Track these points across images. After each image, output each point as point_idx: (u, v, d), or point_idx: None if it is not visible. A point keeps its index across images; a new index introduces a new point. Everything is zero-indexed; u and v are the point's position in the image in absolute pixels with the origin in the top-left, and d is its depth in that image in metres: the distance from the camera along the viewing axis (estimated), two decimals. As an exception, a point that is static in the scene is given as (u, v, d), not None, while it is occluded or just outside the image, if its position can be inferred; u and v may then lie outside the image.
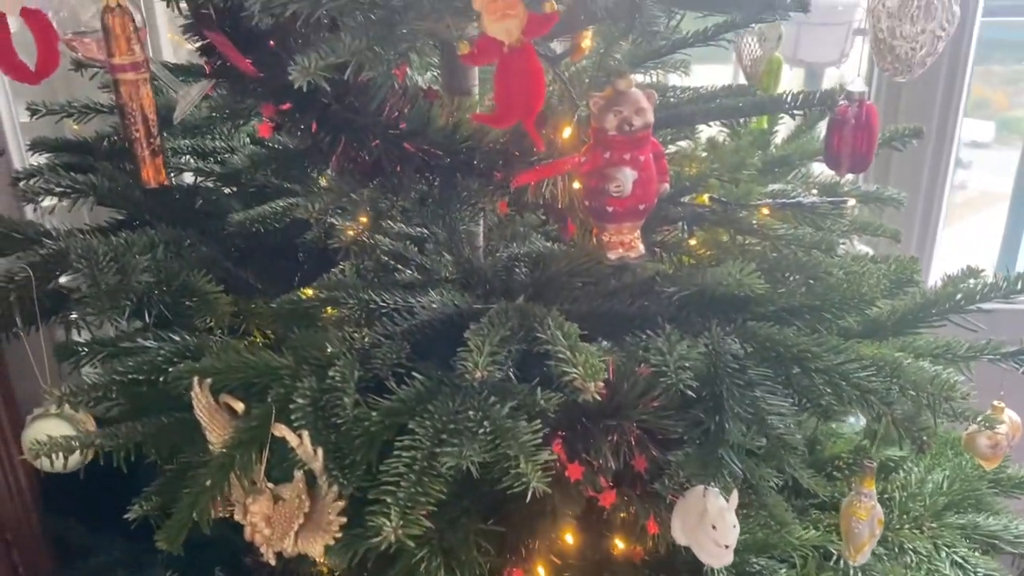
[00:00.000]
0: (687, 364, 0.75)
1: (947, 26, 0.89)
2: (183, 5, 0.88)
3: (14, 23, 0.82)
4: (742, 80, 2.04)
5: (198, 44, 0.94)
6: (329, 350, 0.82)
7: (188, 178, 1.22)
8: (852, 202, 0.98)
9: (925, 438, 0.73)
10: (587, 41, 0.88)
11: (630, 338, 0.86)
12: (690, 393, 0.75)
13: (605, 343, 0.87)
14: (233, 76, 0.93)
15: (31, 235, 0.92)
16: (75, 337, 1.02)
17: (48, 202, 1.07)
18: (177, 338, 0.89)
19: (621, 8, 0.75)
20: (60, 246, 0.90)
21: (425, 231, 1.09)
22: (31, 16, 0.74)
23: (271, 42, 0.90)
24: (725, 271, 0.82)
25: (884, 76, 1.71)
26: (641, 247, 0.85)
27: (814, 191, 1.06)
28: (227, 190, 1.23)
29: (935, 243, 1.90)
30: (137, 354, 0.84)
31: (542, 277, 0.93)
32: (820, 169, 1.30)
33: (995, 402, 0.97)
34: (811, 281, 0.86)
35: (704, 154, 1.24)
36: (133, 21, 0.67)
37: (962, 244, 2.23)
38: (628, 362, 0.86)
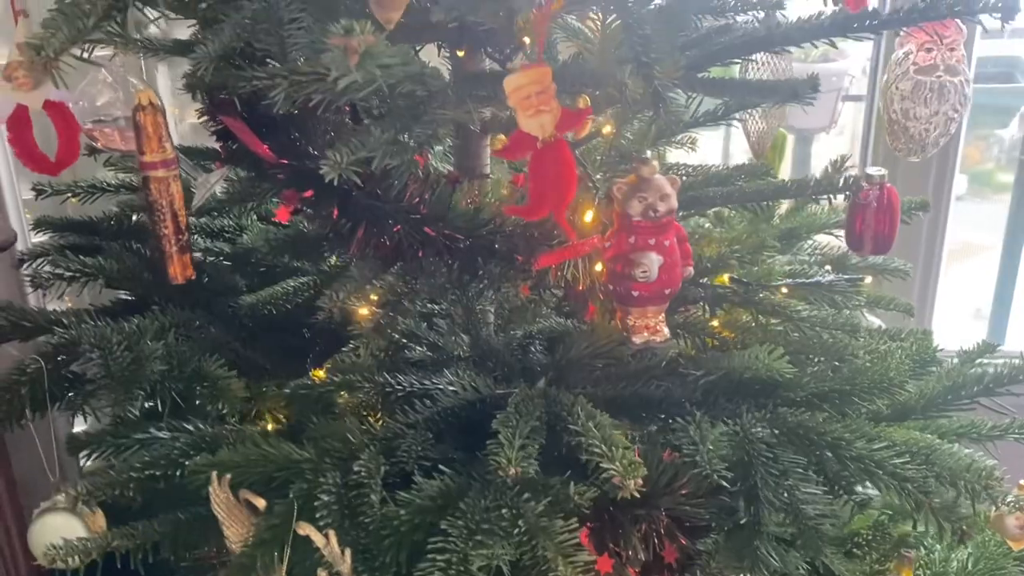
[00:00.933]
0: (721, 453, 0.74)
1: (960, 108, 0.91)
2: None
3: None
4: (733, 146, 2.07)
5: (213, 129, 0.94)
6: (352, 441, 0.80)
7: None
8: (868, 279, 0.99)
9: (965, 528, 0.72)
10: (608, 127, 0.89)
11: (657, 423, 0.85)
12: (724, 484, 0.74)
13: (631, 427, 0.86)
14: (250, 161, 0.92)
15: (42, 323, 0.90)
16: (79, 420, 1.00)
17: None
18: (191, 428, 0.87)
19: (647, 99, 0.76)
20: (72, 334, 0.88)
21: (436, 307, 1.08)
22: (54, 108, 0.73)
23: (290, 128, 0.90)
24: (752, 355, 0.82)
25: (881, 142, 1.74)
26: (666, 331, 0.84)
27: (827, 267, 1.06)
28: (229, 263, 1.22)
29: (935, 303, 1.91)
30: (152, 447, 0.82)
31: (563, 359, 0.92)
32: (825, 240, 1.31)
33: (1022, 481, 0.95)
34: (836, 363, 0.86)
35: (708, 225, 1.24)
36: (164, 118, 0.66)
37: (946, 296, 2.25)
38: (655, 448, 0.85)
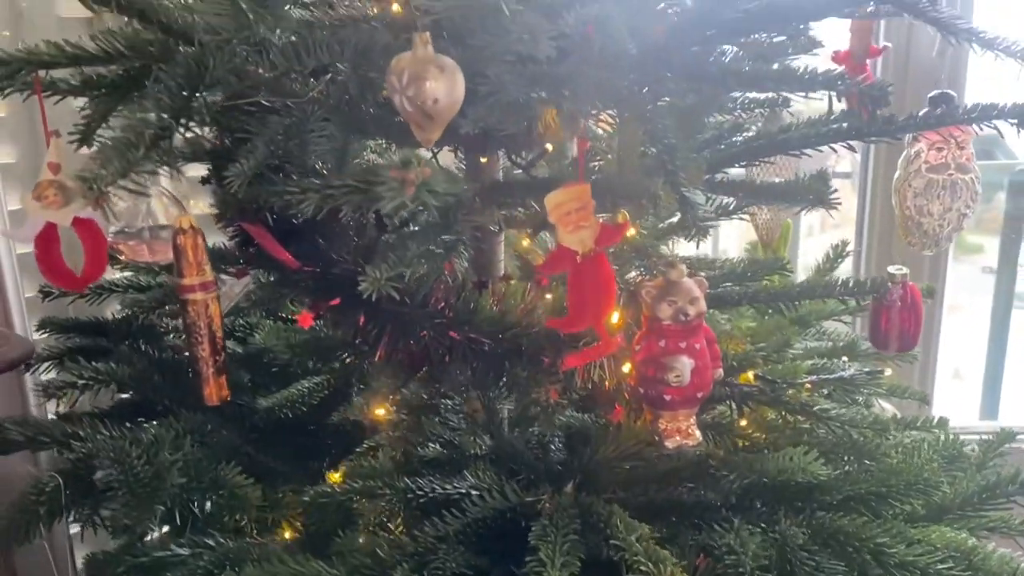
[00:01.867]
0: (763, 564, 0.73)
1: (972, 204, 0.92)
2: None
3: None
4: (723, 230, 2.10)
5: (232, 234, 0.93)
6: (382, 558, 0.78)
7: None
8: (888, 371, 0.99)
9: (1015, 636, 0.71)
10: (632, 230, 0.89)
11: (690, 528, 0.84)
12: (768, 595, 0.72)
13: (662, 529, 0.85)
14: (270, 265, 0.92)
15: (58, 437, 0.88)
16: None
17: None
18: (213, 543, 0.84)
19: (673, 205, 0.76)
20: (89, 448, 0.86)
21: (448, 402, 1.07)
22: (82, 225, 0.73)
23: (312, 233, 0.90)
24: (786, 457, 0.81)
25: (877, 217, 1.78)
26: (698, 434, 0.83)
27: (844, 357, 1.06)
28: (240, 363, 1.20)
29: (935, 376, 1.92)
30: (174, 566, 0.79)
31: (590, 461, 0.91)
32: (833, 327, 1.32)
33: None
34: (867, 462, 0.85)
35: (712, 311, 1.25)
36: (204, 239, 0.66)
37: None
38: (687, 553, 0.83)
